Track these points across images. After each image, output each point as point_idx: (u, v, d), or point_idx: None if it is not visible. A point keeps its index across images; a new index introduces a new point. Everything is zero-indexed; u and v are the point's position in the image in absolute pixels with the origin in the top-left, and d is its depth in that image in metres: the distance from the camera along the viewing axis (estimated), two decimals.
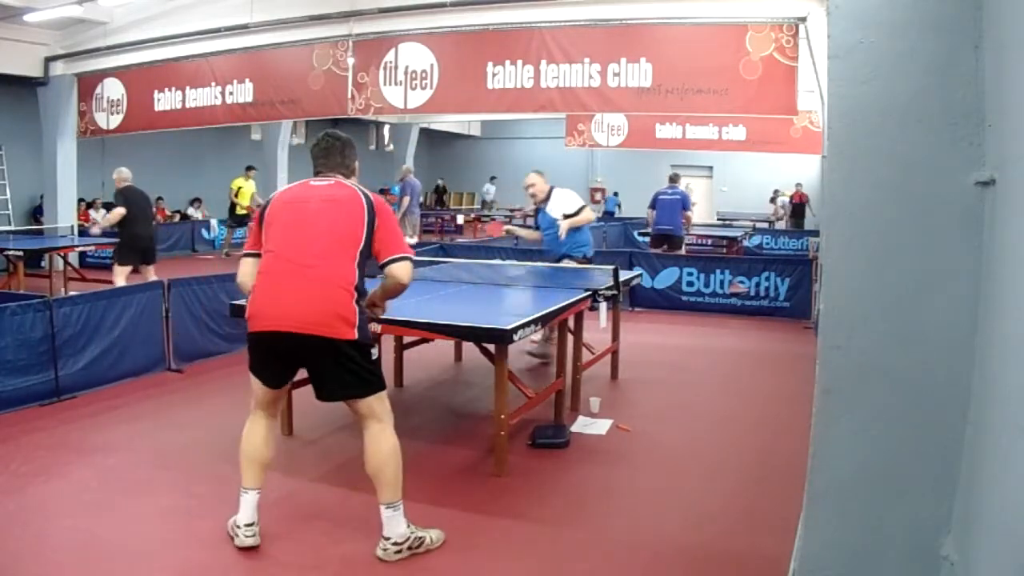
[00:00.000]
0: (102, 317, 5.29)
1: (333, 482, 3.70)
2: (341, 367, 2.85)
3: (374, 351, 2.94)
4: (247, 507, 3.00)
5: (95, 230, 8.83)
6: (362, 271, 2.90)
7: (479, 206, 23.86)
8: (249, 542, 2.96)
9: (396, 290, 3.03)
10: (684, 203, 10.49)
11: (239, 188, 13.76)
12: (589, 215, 6.15)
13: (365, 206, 2.90)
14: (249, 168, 14.25)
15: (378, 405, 2.94)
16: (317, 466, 3.91)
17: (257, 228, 3.00)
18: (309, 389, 4.48)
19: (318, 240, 2.84)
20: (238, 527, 2.99)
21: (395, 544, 2.92)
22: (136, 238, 7.57)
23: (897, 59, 1.86)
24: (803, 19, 6.80)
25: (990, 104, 1.73)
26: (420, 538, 2.99)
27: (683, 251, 10.38)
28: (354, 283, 2.84)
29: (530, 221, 9.55)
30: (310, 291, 2.78)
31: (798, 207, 17.14)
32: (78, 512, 3.32)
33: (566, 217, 5.95)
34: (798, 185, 17.16)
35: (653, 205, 10.52)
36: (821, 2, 5.99)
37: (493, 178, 22.76)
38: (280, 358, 2.93)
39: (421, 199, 16.77)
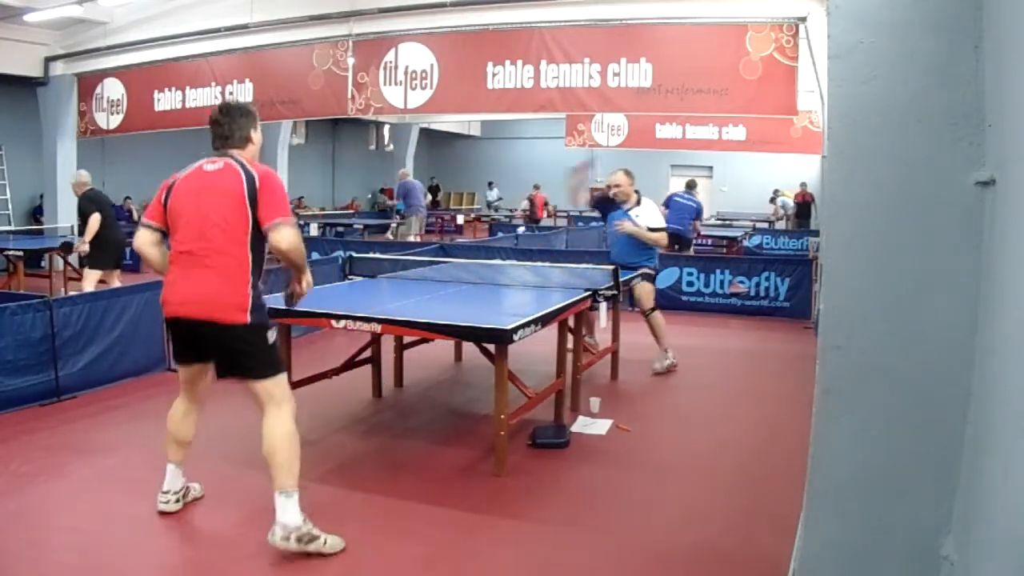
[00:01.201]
0: (102, 317, 5.29)
1: (333, 482, 3.70)
2: (236, 350, 3.00)
3: (271, 334, 3.05)
4: (167, 475, 3.26)
5: (83, 250, 7.54)
6: (257, 251, 3.01)
7: (481, 207, 23.85)
8: (162, 507, 3.22)
9: (288, 261, 3.06)
10: (699, 212, 10.78)
11: None
12: (664, 240, 6.06)
13: (245, 185, 2.95)
14: None
15: (275, 389, 3.01)
16: (317, 466, 3.90)
17: (159, 206, 3.12)
18: (309, 389, 4.54)
19: (211, 233, 2.95)
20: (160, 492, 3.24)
21: (284, 529, 2.88)
22: (112, 242, 7.33)
23: (897, 59, 1.86)
24: (803, 19, 6.81)
25: (990, 104, 1.73)
26: (314, 536, 2.91)
27: (691, 251, 10.61)
28: (247, 267, 2.97)
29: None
30: (206, 280, 2.95)
31: (803, 207, 16.86)
32: (78, 512, 3.32)
33: (650, 230, 5.92)
34: (802, 185, 16.88)
35: (667, 205, 10.68)
36: (821, 2, 5.99)
37: (491, 184, 22.81)
38: (187, 340, 3.13)
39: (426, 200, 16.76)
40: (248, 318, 2.94)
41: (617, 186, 5.97)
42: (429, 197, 19.96)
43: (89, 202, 7.24)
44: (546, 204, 18.81)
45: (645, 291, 5.92)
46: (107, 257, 7.34)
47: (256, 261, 3.00)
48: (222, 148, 3.10)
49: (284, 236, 2.94)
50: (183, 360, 3.23)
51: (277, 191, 3.03)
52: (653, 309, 6.00)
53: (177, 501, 3.27)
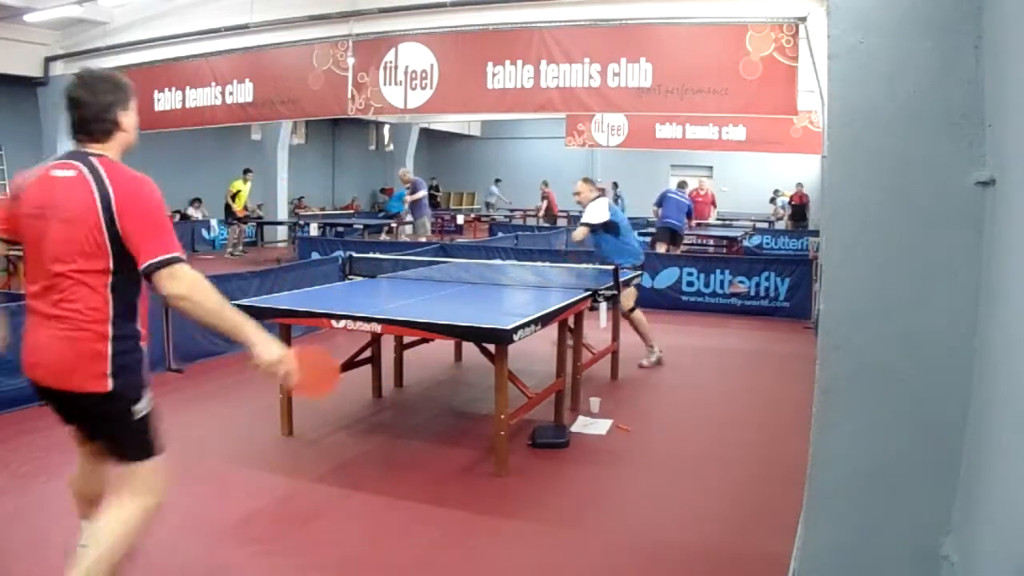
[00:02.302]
0: None
1: (333, 482, 3.70)
2: (101, 424, 2.28)
3: (139, 406, 2.24)
4: (84, 532, 2.45)
5: None
6: (124, 295, 2.21)
7: (481, 207, 23.83)
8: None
9: (195, 317, 2.18)
10: (690, 211, 11.26)
11: (237, 191, 13.82)
12: (580, 232, 6.26)
13: (99, 206, 2.12)
14: (247, 171, 14.30)
15: (135, 477, 2.29)
16: (317, 466, 3.91)
17: (6, 213, 2.31)
18: None
19: (56, 272, 2.16)
20: None
21: None
22: None
23: (897, 59, 1.86)
24: (803, 19, 6.81)
25: (990, 104, 1.73)
26: None
27: (679, 250, 10.86)
28: (106, 316, 2.17)
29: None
30: (53, 338, 2.18)
31: (798, 208, 16.86)
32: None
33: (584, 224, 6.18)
34: (798, 185, 16.89)
35: (660, 202, 11.04)
36: (821, 2, 5.99)
37: (498, 180, 22.58)
38: (51, 404, 2.33)
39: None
40: (109, 385, 2.17)
41: (577, 193, 6.27)
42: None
43: None
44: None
45: (626, 291, 6.00)
46: None
47: (121, 309, 2.21)
48: (81, 140, 2.28)
49: (181, 282, 2.12)
50: (63, 421, 2.41)
51: (149, 214, 2.18)
52: (633, 309, 6.14)
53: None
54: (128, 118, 2.34)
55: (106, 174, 2.17)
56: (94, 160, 2.21)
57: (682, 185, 11.64)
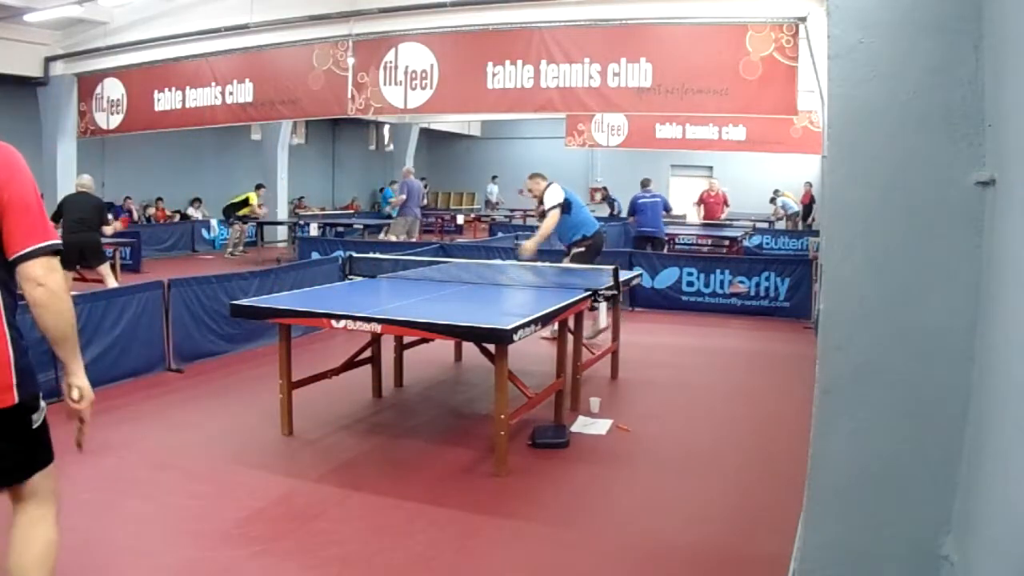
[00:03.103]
0: (102, 317, 5.28)
1: (333, 482, 3.70)
2: (7, 439, 1.91)
3: (37, 415, 1.97)
4: None
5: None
6: (11, 284, 1.93)
7: (481, 206, 23.83)
8: None
9: (46, 325, 1.93)
10: (665, 205, 10.84)
11: (246, 198, 14.04)
12: (548, 221, 6.65)
13: None
14: (259, 186, 14.70)
15: (45, 484, 2.02)
16: (317, 466, 3.91)
17: None
18: (309, 389, 4.54)
19: None
20: None
21: None
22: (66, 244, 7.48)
23: (897, 59, 1.86)
24: (803, 19, 6.81)
25: (990, 104, 1.73)
26: None
27: (664, 251, 10.57)
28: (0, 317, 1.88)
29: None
30: None
31: (808, 208, 16.70)
32: (78, 512, 3.32)
33: (543, 213, 6.75)
34: (807, 184, 16.70)
35: (633, 211, 10.65)
36: (821, 2, 5.99)
37: (495, 177, 22.68)
38: None
39: (424, 201, 16.60)
40: (14, 397, 1.87)
41: (529, 190, 6.87)
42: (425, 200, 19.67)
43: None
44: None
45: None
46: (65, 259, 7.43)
47: (9, 301, 1.92)
48: None
49: (55, 274, 1.87)
50: None
51: (31, 190, 1.88)
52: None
53: None
54: None
55: None
56: None
57: (645, 183, 10.98)
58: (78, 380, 2.00)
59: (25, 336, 1.96)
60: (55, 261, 1.87)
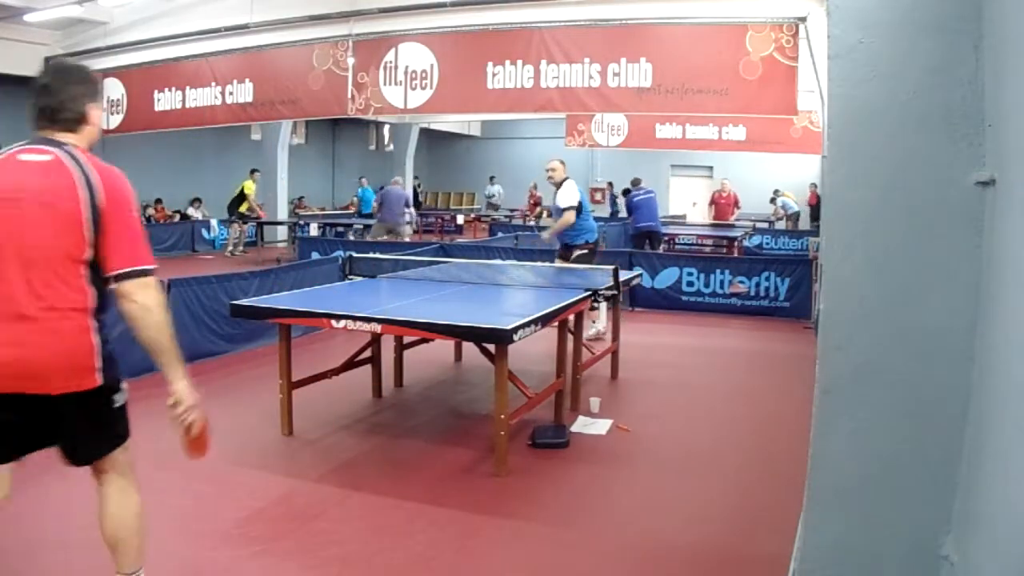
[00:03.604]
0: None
1: (333, 482, 3.70)
2: (87, 420, 2.19)
3: (119, 396, 2.28)
4: None
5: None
6: (100, 285, 2.15)
7: (481, 207, 23.79)
8: None
9: (146, 338, 2.19)
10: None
11: (242, 188, 13.95)
12: (567, 219, 6.74)
13: (85, 195, 2.06)
14: (254, 171, 14.59)
15: (123, 457, 2.33)
16: (317, 466, 3.91)
17: None
18: (309, 389, 4.54)
19: (33, 274, 2.04)
20: None
21: None
22: None
23: (897, 59, 1.86)
24: (803, 19, 6.80)
25: (990, 104, 1.73)
26: None
27: (661, 247, 10.73)
28: (89, 311, 2.12)
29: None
30: (32, 344, 2.03)
31: (816, 208, 16.61)
32: (78, 512, 3.32)
33: (560, 210, 6.76)
34: (812, 186, 16.60)
35: (631, 209, 10.84)
36: (821, 2, 5.99)
37: (492, 178, 22.63)
38: (10, 424, 2.14)
39: (413, 214, 16.43)
40: (98, 379, 2.16)
41: (553, 170, 6.86)
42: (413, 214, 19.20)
43: None
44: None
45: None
46: None
47: (102, 302, 2.17)
48: (47, 128, 2.21)
49: (150, 291, 2.14)
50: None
51: (132, 217, 2.16)
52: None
53: None
54: (96, 112, 2.28)
55: (88, 164, 2.12)
56: (71, 148, 2.15)
57: (636, 182, 11.21)
58: (175, 386, 2.21)
59: None
60: (148, 279, 2.14)
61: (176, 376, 2.22)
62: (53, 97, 2.20)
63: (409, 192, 15.91)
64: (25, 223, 2.05)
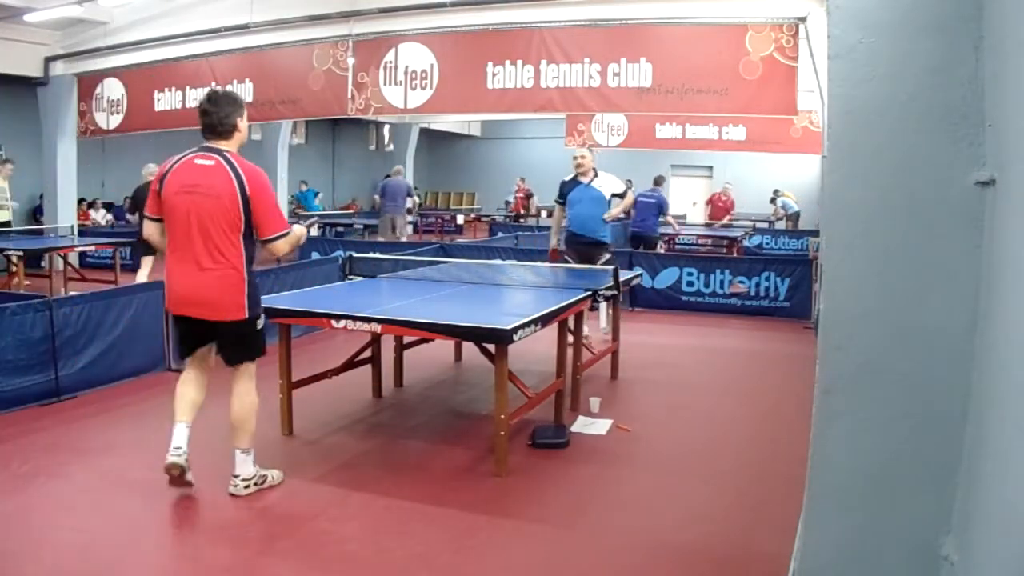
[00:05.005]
0: (102, 317, 5.29)
1: (333, 482, 3.70)
2: (235, 338, 3.41)
3: (259, 322, 3.47)
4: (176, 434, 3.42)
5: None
6: (249, 249, 3.31)
7: (482, 206, 23.71)
8: (171, 459, 3.34)
9: (282, 252, 3.53)
10: (661, 207, 10.68)
11: None
12: (630, 199, 6.95)
13: (237, 188, 3.19)
14: None
15: (250, 368, 3.49)
16: (317, 466, 3.91)
17: (155, 197, 3.31)
18: (309, 389, 4.54)
19: (204, 235, 3.21)
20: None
21: (244, 480, 3.45)
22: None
23: (897, 59, 1.86)
24: (803, 19, 6.80)
25: (990, 104, 1.73)
26: (264, 476, 3.54)
27: (656, 250, 10.55)
28: (242, 266, 3.27)
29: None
30: (204, 285, 3.25)
31: None
32: (78, 512, 3.32)
33: (615, 196, 6.72)
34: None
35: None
36: (821, 2, 5.99)
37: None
38: (192, 333, 3.48)
39: (416, 201, 16.48)
40: (246, 314, 3.33)
41: (583, 157, 6.75)
42: (416, 200, 19.25)
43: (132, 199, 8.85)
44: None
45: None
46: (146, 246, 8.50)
47: (249, 258, 3.32)
48: (211, 139, 3.30)
49: (278, 249, 3.39)
50: (190, 346, 3.52)
51: (270, 198, 3.30)
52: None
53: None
54: (243, 123, 3.35)
55: (239, 165, 3.23)
56: (227, 154, 3.25)
57: (657, 182, 11.10)
58: (297, 231, 3.54)
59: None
60: (279, 242, 3.37)
61: (297, 234, 3.49)
62: (214, 117, 3.27)
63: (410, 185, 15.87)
64: (202, 207, 3.19)
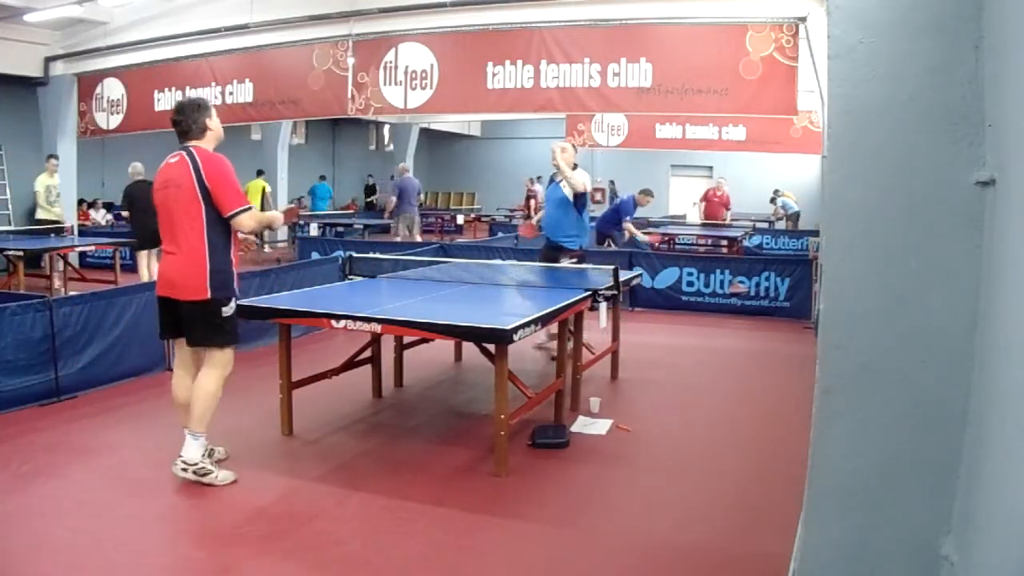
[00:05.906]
0: (102, 317, 5.29)
1: (333, 482, 3.70)
2: (196, 317, 3.55)
3: (227, 309, 3.58)
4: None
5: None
6: (216, 233, 3.52)
7: (482, 206, 23.69)
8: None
9: (249, 228, 3.66)
10: (617, 211, 10.20)
11: (249, 188, 14.22)
12: (580, 180, 6.17)
13: (193, 175, 3.47)
14: (260, 172, 15.17)
15: (219, 355, 3.62)
16: (317, 466, 3.91)
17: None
18: (309, 390, 4.54)
19: (172, 221, 3.53)
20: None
21: (184, 464, 3.55)
22: (141, 226, 8.50)
23: (897, 59, 1.86)
24: (803, 19, 6.80)
25: (990, 104, 1.73)
26: (209, 471, 3.57)
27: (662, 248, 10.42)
28: (203, 248, 3.49)
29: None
30: (173, 268, 3.55)
31: None
32: (78, 512, 3.32)
33: (581, 193, 6.20)
34: None
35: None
36: (821, 2, 5.99)
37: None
38: (165, 312, 3.67)
39: (421, 199, 16.48)
40: (207, 294, 3.50)
41: (563, 150, 6.20)
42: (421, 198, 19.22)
43: (124, 197, 9.13)
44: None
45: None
46: (143, 240, 8.73)
47: (215, 243, 3.51)
48: (184, 141, 3.61)
49: (242, 225, 3.56)
50: (163, 327, 3.73)
51: (225, 179, 3.52)
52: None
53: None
54: (212, 122, 3.66)
55: (198, 155, 3.51)
56: (191, 148, 3.56)
57: (648, 193, 10.43)
58: (278, 221, 4.07)
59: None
60: (243, 214, 3.55)
61: (274, 218, 3.98)
62: (183, 124, 3.60)
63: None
64: (170, 198, 3.51)
